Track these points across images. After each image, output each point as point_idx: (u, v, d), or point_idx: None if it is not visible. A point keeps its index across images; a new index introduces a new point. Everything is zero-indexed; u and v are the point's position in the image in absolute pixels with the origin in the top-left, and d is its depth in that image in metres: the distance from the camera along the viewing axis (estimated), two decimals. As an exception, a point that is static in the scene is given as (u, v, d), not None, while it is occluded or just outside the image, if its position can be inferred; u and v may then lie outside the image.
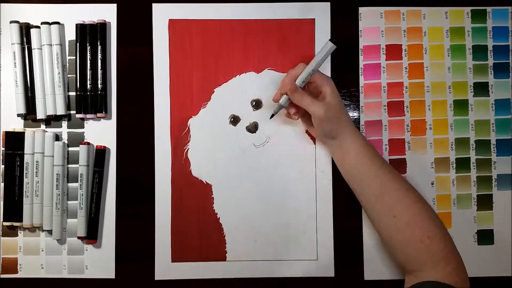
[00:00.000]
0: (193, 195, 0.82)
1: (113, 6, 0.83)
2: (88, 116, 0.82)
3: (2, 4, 0.83)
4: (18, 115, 0.81)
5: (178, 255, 0.82)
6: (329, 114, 0.73)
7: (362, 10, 0.84)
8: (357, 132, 0.76)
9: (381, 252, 0.82)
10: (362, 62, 0.84)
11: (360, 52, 0.84)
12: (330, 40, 0.72)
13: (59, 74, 0.81)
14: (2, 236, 0.82)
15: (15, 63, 0.81)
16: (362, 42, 0.84)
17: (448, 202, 0.83)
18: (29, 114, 0.81)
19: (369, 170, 0.74)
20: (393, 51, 0.84)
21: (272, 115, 0.80)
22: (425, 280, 0.68)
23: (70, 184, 0.82)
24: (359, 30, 0.84)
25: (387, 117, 0.84)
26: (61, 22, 0.82)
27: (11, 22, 0.81)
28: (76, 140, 0.82)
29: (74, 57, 0.82)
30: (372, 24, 0.84)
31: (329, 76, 0.80)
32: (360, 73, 0.84)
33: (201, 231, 0.82)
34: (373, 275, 0.82)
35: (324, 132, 0.76)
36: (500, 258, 0.82)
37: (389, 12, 0.84)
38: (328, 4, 0.84)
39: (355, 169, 0.76)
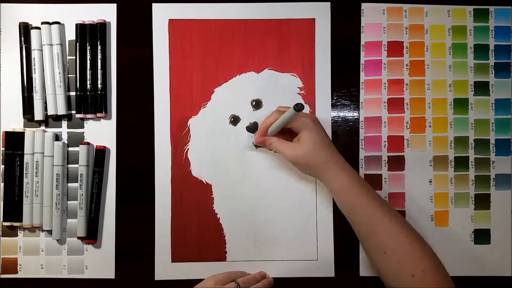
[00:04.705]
0: (193, 195, 0.85)
1: (113, 6, 0.85)
2: (88, 116, 0.84)
3: (2, 4, 0.85)
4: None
5: (178, 255, 0.84)
6: (301, 159, 0.78)
7: (364, 6, 0.87)
8: (341, 171, 0.77)
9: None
10: (363, 58, 0.87)
11: (361, 48, 0.87)
12: (293, 107, 0.71)
13: (59, 74, 0.83)
14: (2, 236, 0.84)
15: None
16: (364, 38, 0.87)
17: (446, 200, 0.86)
18: (30, 114, 0.83)
19: (359, 208, 0.75)
20: (395, 48, 0.87)
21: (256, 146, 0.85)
22: None
23: (70, 184, 0.84)
24: (361, 26, 0.87)
25: (387, 114, 0.86)
26: (61, 22, 0.84)
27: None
28: (76, 140, 0.85)
29: (74, 57, 0.84)
30: (374, 20, 0.87)
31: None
32: (361, 69, 0.87)
33: (201, 231, 0.85)
34: (371, 273, 0.85)
35: (302, 171, 0.81)
36: (496, 258, 0.85)
37: (391, 9, 0.87)
38: (328, 4, 0.86)
39: (343, 207, 0.78)
